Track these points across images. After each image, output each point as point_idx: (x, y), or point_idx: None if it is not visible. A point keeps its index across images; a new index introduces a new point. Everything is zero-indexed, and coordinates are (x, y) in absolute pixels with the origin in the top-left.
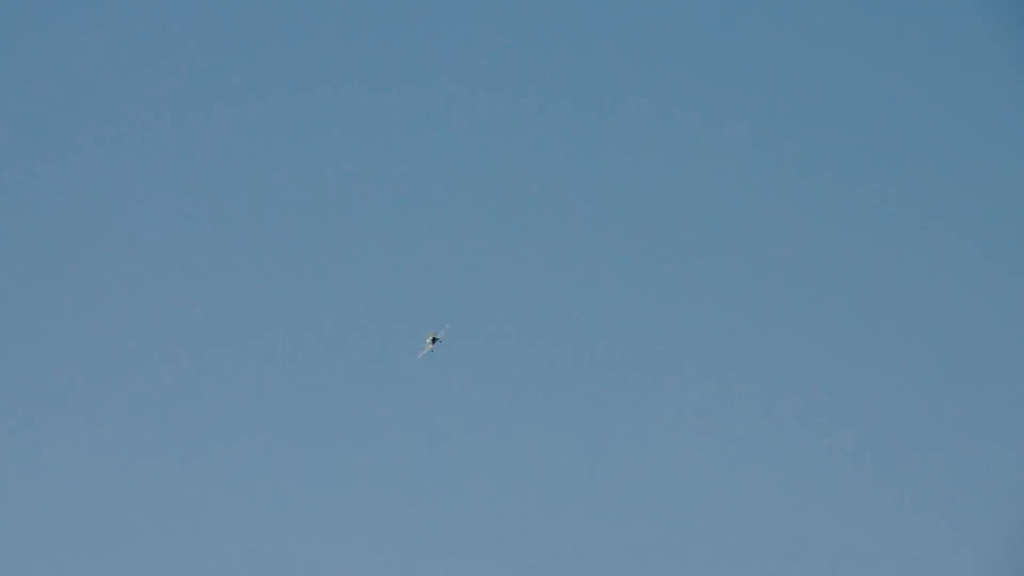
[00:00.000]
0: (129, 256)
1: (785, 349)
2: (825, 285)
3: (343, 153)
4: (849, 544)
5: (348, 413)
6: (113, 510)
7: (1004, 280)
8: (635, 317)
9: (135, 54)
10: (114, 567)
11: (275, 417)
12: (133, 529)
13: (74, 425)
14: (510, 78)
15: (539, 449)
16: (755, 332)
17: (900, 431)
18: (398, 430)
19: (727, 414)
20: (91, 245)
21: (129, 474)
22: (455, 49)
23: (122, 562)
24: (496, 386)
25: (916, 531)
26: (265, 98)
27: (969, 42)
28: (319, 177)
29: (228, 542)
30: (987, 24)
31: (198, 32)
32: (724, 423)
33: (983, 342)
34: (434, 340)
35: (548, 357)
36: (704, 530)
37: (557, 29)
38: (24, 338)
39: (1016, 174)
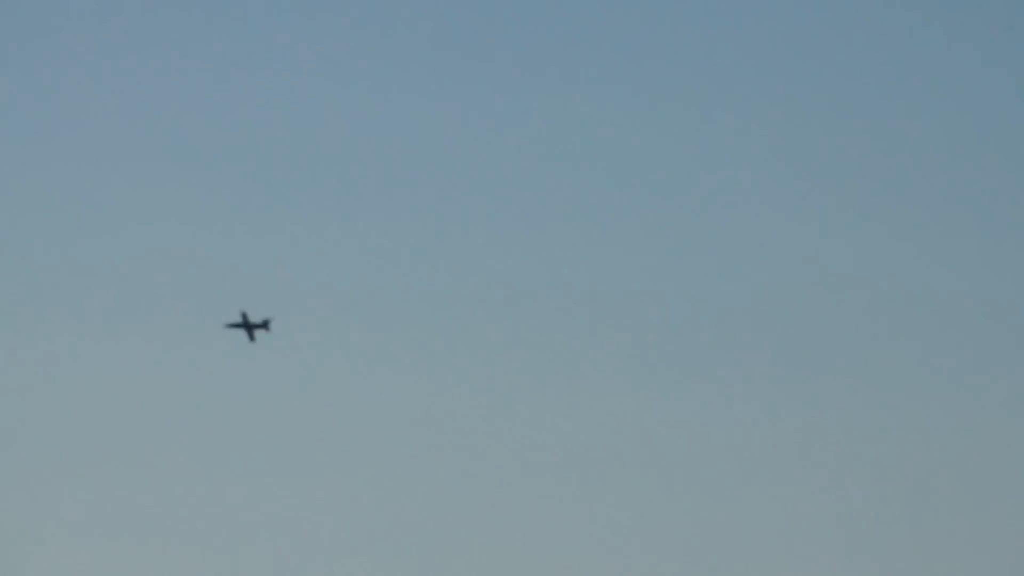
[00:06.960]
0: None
1: (786, 349)
2: (826, 286)
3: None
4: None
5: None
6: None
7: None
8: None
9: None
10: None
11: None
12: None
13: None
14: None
15: (537, 444)
16: (755, 331)
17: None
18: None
19: (725, 412)
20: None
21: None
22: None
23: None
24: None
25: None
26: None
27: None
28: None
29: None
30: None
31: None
32: (722, 422)
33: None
34: (253, 325)
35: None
36: (703, 530)
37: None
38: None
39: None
